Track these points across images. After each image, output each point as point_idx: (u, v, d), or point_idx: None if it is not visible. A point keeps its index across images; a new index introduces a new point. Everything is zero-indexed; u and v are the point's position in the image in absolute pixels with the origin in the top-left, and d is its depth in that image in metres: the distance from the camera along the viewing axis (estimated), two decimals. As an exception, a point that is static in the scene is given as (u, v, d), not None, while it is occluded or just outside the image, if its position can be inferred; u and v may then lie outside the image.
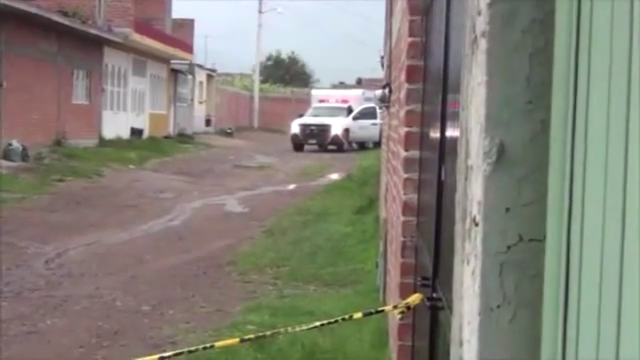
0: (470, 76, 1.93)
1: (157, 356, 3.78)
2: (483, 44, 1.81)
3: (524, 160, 1.78)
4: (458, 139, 2.18)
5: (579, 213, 1.53)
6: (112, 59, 36.70)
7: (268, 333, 4.43)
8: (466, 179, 1.95)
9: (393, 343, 5.89)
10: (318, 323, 4.36)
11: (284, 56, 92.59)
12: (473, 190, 1.86)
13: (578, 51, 1.56)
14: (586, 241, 1.50)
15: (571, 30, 1.58)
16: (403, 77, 5.60)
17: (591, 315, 1.45)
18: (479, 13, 1.84)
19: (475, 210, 1.83)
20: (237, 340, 4.36)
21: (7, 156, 24.76)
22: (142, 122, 40.83)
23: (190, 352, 4.10)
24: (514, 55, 1.78)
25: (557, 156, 1.61)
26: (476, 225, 1.82)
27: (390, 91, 8.48)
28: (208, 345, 4.24)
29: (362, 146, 43.21)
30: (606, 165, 1.42)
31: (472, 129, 1.89)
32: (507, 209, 1.78)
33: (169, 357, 3.74)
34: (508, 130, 1.78)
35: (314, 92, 55.74)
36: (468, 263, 1.89)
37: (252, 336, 4.73)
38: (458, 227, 2.07)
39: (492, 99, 1.79)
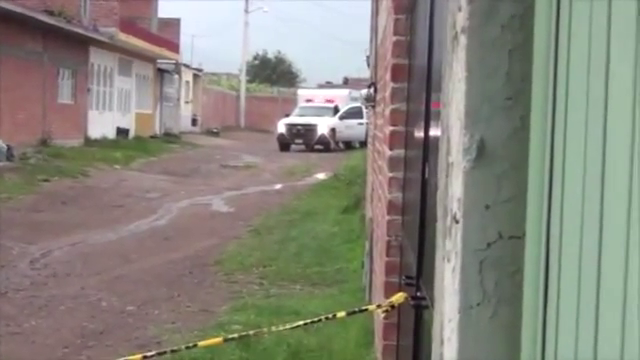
0: (451, 72, 1.93)
1: (140, 355, 3.76)
2: (463, 40, 1.80)
3: (504, 157, 1.77)
4: (440, 136, 2.18)
5: (558, 210, 1.53)
6: (98, 59, 36.60)
7: (252, 332, 4.42)
8: (447, 176, 1.95)
9: (378, 342, 5.88)
10: (302, 322, 4.35)
11: (270, 56, 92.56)
12: (453, 187, 1.86)
13: (557, 47, 1.56)
14: (565, 238, 1.50)
15: (550, 26, 1.57)
16: (388, 76, 5.60)
17: (570, 312, 1.45)
18: (459, 9, 1.83)
19: (455, 207, 1.83)
20: (221, 339, 4.35)
21: (-8, 156, 24.66)
22: (128, 122, 40.73)
23: (174, 351, 4.08)
24: (494, 51, 1.78)
25: (537, 152, 1.61)
26: (456, 222, 1.82)
27: (376, 90, 8.48)
28: (191, 344, 4.22)
29: (349, 146, 43.22)
30: (585, 161, 1.42)
31: (453, 126, 1.88)
32: (487, 206, 1.78)
33: (152, 356, 3.73)
34: (488, 126, 1.78)
35: (300, 92, 55.74)
36: (449, 261, 1.88)
37: (236, 335, 4.71)
38: (439, 225, 2.06)
39: (472, 95, 1.78)
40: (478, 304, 1.78)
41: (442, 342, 1.93)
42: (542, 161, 1.58)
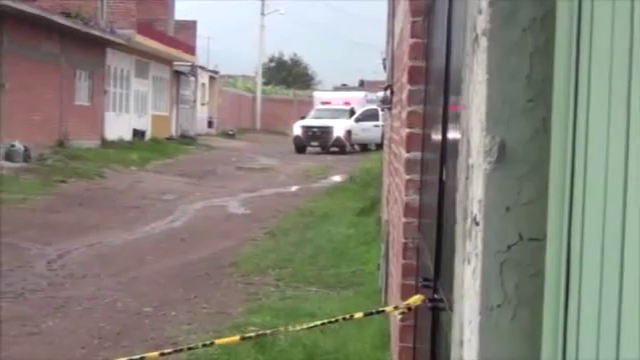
0: (471, 75, 1.93)
1: (157, 352, 3.79)
2: (484, 43, 1.80)
3: (525, 159, 1.77)
4: (459, 138, 2.18)
5: (580, 212, 1.53)
6: (115, 60, 36.73)
7: (269, 332, 4.43)
8: (467, 178, 1.95)
9: (394, 344, 5.88)
10: (319, 322, 4.36)
11: (286, 58, 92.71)
12: (474, 189, 1.86)
13: (579, 49, 1.56)
14: (587, 240, 1.50)
15: (572, 28, 1.57)
16: (405, 78, 5.60)
17: (592, 314, 1.45)
18: (480, 12, 1.83)
19: (476, 209, 1.83)
20: (237, 338, 4.36)
21: (9, 157, 24.77)
22: (144, 123, 40.86)
23: (190, 349, 4.10)
24: (515, 53, 1.78)
25: (558, 155, 1.61)
26: (477, 224, 1.82)
27: (392, 92, 8.49)
28: (208, 342, 4.24)
29: (364, 148, 43.22)
30: (607, 163, 1.42)
31: (473, 128, 1.89)
32: (507, 208, 1.78)
33: (170, 354, 3.75)
34: (509, 129, 1.78)
35: (316, 94, 55.80)
36: (469, 262, 1.88)
37: (253, 334, 4.72)
38: (459, 227, 2.06)
39: (493, 98, 1.78)
40: (498, 306, 1.79)
41: (462, 343, 1.94)
42: (563, 163, 1.58)
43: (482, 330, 1.80)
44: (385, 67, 14.95)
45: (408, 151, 5.36)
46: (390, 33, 10.87)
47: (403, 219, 5.40)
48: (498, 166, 1.78)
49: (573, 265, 1.54)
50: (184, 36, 48.23)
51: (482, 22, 1.82)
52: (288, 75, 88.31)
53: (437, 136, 3.84)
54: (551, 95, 1.67)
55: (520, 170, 1.78)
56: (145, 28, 38.76)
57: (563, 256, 1.57)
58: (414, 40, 5.32)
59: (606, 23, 1.44)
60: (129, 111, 39.25)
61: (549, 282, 1.63)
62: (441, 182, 3.54)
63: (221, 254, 13.08)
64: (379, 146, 34.24)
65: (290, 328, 4.53)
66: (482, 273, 1.79)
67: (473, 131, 1.88)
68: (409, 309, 3.83)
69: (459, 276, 2.02)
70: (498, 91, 1.78)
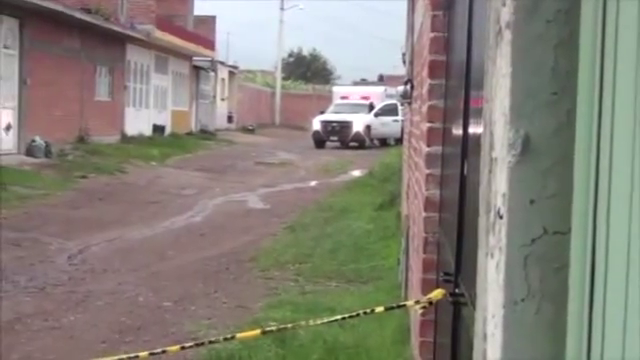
0: (494, 68, 1.92)
1: (178, 346, 3.81)
2: (507, 35, 1.79)
3: (549, 152, 1.76)
4: (482, 131, 2.17)
5: (605, 205, 1.51)
6: (134, 56, 36.85)
7: (289, 325, 4.43)
8: (490, 172, 1.94)
9: (415, 339, 5.88)
10: (340, 316, 4.36)
11: (306, 53, 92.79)
12: (497, 183, 1.85)
13: (604, 41, 1.54)
14: (612, 234, 1.49)
15: (597, 20, 1.56)
16: (425, 73, 5.58)
17: (617, 309, 1.44)
18: (503, 4, 1.82)
19: (499, 203, 1.82)
20: (258, 332, 4.36)
21: (30, 152, 24.91)
22: (164, 119, 40.98)
23: (211, 342, 4.11)
24: (539, 46, 1.77)
25: (583, 147, 1.60)
26: (500, 218, 1.81)
27: (412, 87, 8.46)
28: (229, 336, 4.25)
29: (384, 143, 43.18)
30: (633, 156, 1.41)
31: (496, 121, 1.88)
32: (532, 201, 1.77)
33: (190, 347, 3.77)
34: (533, 122, 1.77)
35: (335, 89, 55.80)
36: (492, 256, 1.88)
37: (273, 328, 4.73)
38: (482, 220, 2.05)
39: (517, 90, 1.77)
40: (523, 300, 1.78)
41: (485, 337, 1.93)
42: (588, 156, 1.57)
43: (506, 324, 1.79)
44: (404, 61, 14.92)
45: (429, 145, 5.34)
46: (410, 27, 10.84)
47: (423, 214, 5.39)
48: (522, 159, 1.77)
49: (598, 259, 1.53)
50: (203, 31, 48.34)
51: (506, 14, 1.81)
52: (307, 70, 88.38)
53: (458, 130, 3.83)
54: (576, 88, 1.66)
55: (544, 163, 1.77)
56: (165, 23, 38.86)
57: (588, 250, 1.56)
58: (434, 34, 5.31)
59: (632, 15, 1.43)
60: (149, 106, 39.37)
61: (574, 276, 1.62)
62: (462, 176, 3.53)
63: (241, 249, 13.10)
64: (398, 141, 34.21)
65: (311, 322, 4.52)
66: (506, 267, 1.78)
67: (496, 124, 1.87)
68: (430, 303, 3.83)
69: (482, 270, 2.01)
70: (522, 84, 1.77)
